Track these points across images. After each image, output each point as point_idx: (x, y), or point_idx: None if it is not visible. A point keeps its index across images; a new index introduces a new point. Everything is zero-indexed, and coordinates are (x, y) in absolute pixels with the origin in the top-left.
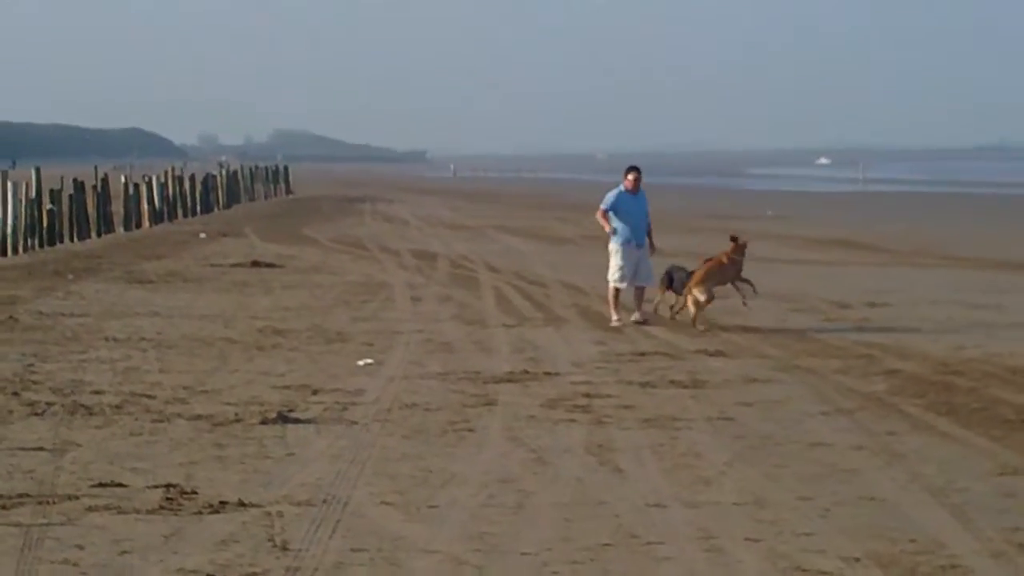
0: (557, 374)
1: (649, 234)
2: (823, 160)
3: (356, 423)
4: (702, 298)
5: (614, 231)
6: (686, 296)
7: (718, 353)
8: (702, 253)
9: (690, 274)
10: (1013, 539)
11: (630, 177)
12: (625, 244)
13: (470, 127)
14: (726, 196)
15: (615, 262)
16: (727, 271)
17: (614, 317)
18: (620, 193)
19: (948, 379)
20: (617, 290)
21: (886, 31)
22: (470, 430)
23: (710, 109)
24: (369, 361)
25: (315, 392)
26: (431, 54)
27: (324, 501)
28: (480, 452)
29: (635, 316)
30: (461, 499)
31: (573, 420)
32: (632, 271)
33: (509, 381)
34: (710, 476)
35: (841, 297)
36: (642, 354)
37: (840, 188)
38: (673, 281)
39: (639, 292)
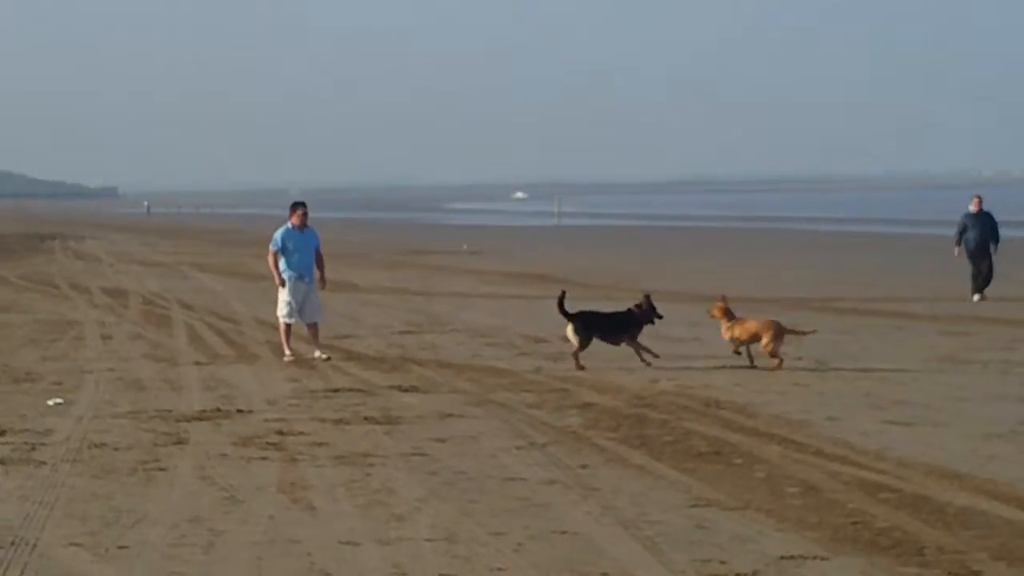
0: (250, 411)
1: (321, 268)
2: (519, 194)
3: (45, 463)
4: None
5: (283, 282)
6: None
7: (412, 389)
8: (400, 289)
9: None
10: (704, 570)
11: (298, 213)
12: (293, 280)
13: (162, 162)
14: (423, 231)
15: (283, 297)
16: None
17: (287, 352)
18: (287, 230)
19: (642, 412)
20: (288, 326)
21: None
22: (161, 469)
23: (405, 144)
24: (59, 401)
25: (2, 433)
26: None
27: (12, 543)
28: (171, 491)
29: (316, 353)
30: (152, 539)
31: (266, 458)
32: (299, 306)
33: (201, 419)
34: (403, 512)
35: (536, 331)
36: (336, 390)
37: (536, 222)
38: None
39: (312, 329)
